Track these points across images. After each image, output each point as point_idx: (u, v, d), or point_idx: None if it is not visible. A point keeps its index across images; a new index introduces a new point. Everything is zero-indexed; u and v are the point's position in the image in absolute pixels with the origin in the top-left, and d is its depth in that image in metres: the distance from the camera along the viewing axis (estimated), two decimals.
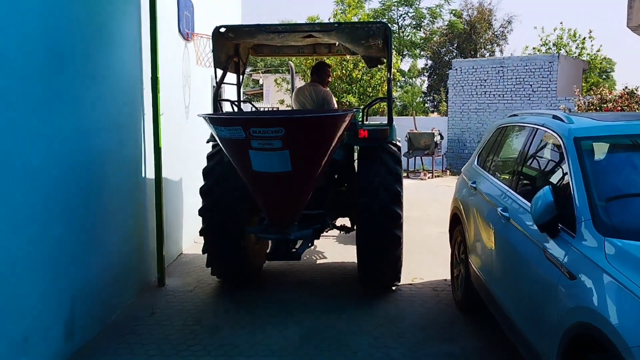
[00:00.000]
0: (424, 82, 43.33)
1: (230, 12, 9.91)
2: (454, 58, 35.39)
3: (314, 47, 6.71)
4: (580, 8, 66.46)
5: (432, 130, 15.74)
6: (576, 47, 26.65)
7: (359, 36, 5.59)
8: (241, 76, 6.62)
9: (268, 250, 5.17)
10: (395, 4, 30.50)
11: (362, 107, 7.89)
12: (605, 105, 11.76)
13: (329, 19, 17.18)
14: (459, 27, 32.08)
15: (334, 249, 7.38)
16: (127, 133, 5.21)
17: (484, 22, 35.38)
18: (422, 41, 31.79)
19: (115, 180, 4.91)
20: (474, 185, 4.70)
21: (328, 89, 6.54)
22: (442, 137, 15.96)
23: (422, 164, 16.62)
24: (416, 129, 16.36)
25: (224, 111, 6.01)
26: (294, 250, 4.96)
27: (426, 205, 10.65)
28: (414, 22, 31.74)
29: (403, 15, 31.18)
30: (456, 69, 18.05)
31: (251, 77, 37.98)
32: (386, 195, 5.03)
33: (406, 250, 6.95)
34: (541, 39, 28.17)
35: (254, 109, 7.64)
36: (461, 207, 4.91)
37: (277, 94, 20.53)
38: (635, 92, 11.69)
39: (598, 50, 26.74)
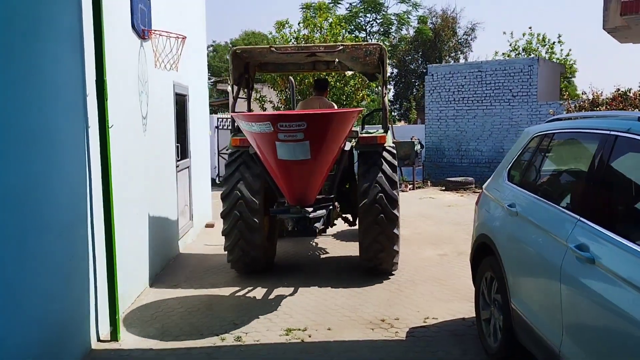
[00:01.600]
0: (389, 90, 42.76)
1: (193, 7, 8.80)
2: (419, 66, 35.00)
3: (313, 64, 7.40)
4: (543, 14, 66.95)
5: (411, 138, 14.85)
6: (546, 52, 26.40)
7: (357, 55, 6.53)
8: (251, 90, 7.46)
9: (289, 229, 5.70)
10: (363, 10, 29.75)
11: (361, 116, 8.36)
12: (597, 108, 11.07)
13: (298, 24, 16.21)
14: (427, 33, 31.52)
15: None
16: (63, 150, 4.04)
17: (448, 30, 35.07)
18: (390, 48, 31.08)
19: (47, 211, 3.74)
20: (513, 208, 3.71)
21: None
22: (422, 146, 15.08)
23: (402, 174, 15.71)
24: (394, 138, 15.43)
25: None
26: (310, 228, 5.58)
27: (415, 221, 9.69)
28: (382, 29, 31.05)
29: (371, 22, 30.46)
30: (432, 74, 17.28)
31: (216, 88, 36.68)
32: (386, 202, 5.85)
33: (408, 279, 6.05)
34: (510, 44, 27.92)
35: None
36: (494, 236, 3.91)
37: (244, 104, 19.37)
38: (628, 93, 11.05)
39: (567, 55, 26.57)
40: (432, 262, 6.86)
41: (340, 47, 6.26)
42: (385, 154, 6.04)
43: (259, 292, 5.79)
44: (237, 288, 5.93)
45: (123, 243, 5.02)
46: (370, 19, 30.53)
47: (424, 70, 36.78)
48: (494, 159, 16.31)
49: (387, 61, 6.44)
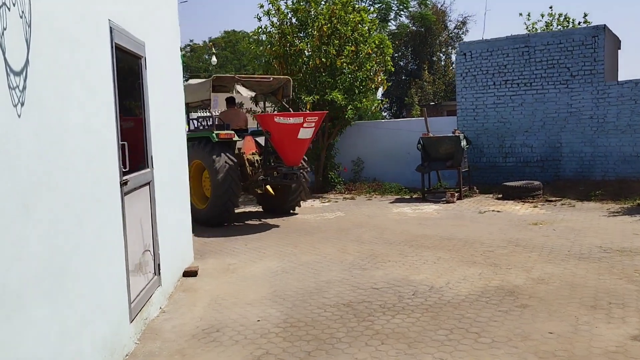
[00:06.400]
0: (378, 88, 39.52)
1: None
2: (409, 63, 32.37)
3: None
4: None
5: (453, 132, 11.38)
6: None
7: (273, 84, 10.23)
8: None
9: (280, 180, 9.21)
10: None
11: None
12: None
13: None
14: (430, 18, 28.25)
15: None
16: None
17: (439, 24, 32.34)
18: (390, 37, 27.84)
19: None
20: None
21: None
22: (469, 142, 11.58)
23: (439, 179, 12.22)
24: (429, 133, 11.96)
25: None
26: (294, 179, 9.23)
27: (513, 255, 6.19)
28: (379, 16, 27.75)
29: (368, 7, 27.08)
30: (464, 54, 13.85)
31: None
32: (305, 170, 9.59)
33: None
34: (527, 28, 24.79)
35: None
36: None
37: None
38: None
39: None
40: None
41: (271, 79, 10.05)
42: None
43: None
44: None
45: None
46: (367, 4, 27.14)
47: (415, 67, 33.70)
48: (548, 156, 12.90)
49: (290, 87, 10.32)
